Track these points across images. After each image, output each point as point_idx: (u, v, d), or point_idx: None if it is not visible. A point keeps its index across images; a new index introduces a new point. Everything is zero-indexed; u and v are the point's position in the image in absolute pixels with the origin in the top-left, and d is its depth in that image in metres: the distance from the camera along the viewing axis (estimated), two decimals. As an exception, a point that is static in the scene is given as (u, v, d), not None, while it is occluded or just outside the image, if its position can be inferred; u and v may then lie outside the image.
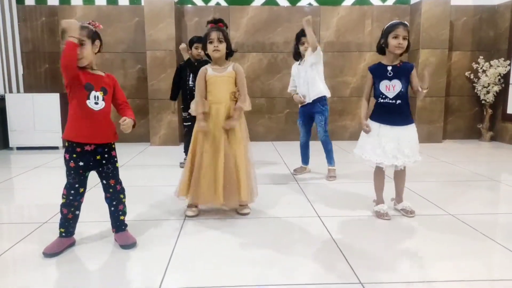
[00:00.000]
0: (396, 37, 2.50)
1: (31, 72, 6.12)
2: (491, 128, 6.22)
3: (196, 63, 4.05)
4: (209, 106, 2.70)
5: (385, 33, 2.57)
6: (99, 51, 2.16)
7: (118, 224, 2.27)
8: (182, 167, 4.31)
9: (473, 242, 2.29)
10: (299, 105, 3.88)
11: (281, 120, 6.35)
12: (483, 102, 6.17)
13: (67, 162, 2.12)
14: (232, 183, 2.65)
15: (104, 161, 2.17)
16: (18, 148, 5.57)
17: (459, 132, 6.46)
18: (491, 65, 5.99)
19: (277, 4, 6.13)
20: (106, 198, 2.26)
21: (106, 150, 2.17)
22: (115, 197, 2.25)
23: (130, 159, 4.82)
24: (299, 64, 3.84)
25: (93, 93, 2.08)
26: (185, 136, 4.48)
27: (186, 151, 4.44)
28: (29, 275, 1.92)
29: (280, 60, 6.21)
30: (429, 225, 2.57)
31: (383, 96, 2.60)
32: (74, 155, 2.10)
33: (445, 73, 6.00)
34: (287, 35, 6.14)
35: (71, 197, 2.14)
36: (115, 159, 2.24)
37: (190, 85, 4.15)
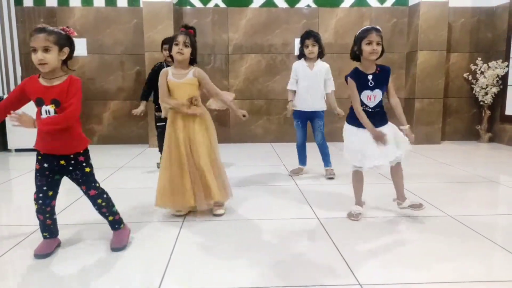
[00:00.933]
0: (369, 43, 2.47)
1: (30, 74, 6.06)
2: (489, 130, 6.23)
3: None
4: (167, 112, 2.76)
5: (358, 40, 2.53)
6: (69, 58, 2.09)
7: (110, 224, 2.27)
8: (159, 167, 4.32)
9: (472, 243, 2.29)
10: (294, 108, 3.89)
11: (279, 121, 6.35)
12: (481, 103, 6.18)
13: (35, 165, 2.12)
14: (198, 184, 2.68)
15: (70, 168, 2.11)
16: (17, 150, 5.56)
17: (457, 134, 6.46)
18: (489, 67, 6.00)
19: (275, 5, 6.13)
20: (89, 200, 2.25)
21: (71, 156, 2.11)
22: (92, 202, 2.21)
23: (129, 161, 4.81)
24: (307, 65, 3.79)
25: (44, 107, 2.00)
26: (159, 136, 4.43)
27: (161, 151, 4.43)
28: (28, 277, 1.92)
29: (279, 61, 6.21)
30: (428, 226, 2.57)
31: (364, 105, 2.57)
32: (39, 157, 2.10)
33: (443, 74, 6.01)
34: (285, 37, 6.15)
35: (40, 201, 2.11)
36: (83, 164, 2.14)
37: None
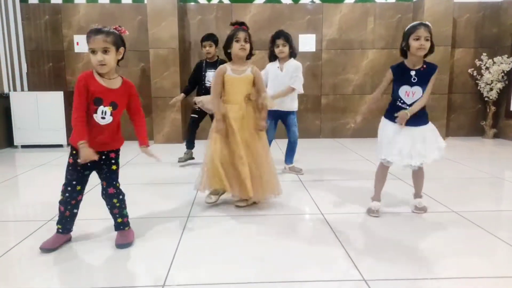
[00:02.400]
0: (417, 38, 2.44)
1: (35, 71, 6.15)
2: (494, 125, 6.21)
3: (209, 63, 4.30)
4: (224, 106, 2.80)
5: (406, 35, 2.50)
6: (122, 58, 2.14)
7: (116, 224, 2.28)
8: (180, 161, 4.36)
9: (477, 239, 2.30)
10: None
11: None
12: (486, 99, 6.16)
13: (68, 159, 2.15)
14: (255, 178, 2.76)
15: (101, 162, 2.17)
16: (23, 146, 5.61)
17: (462, 130, 6.45)
18: (494, 62, 5.97)
19: (279, 1, 6.12)
20: (103, 198, 2.27)
21: (104, 152, 2.17)
22: (107, 200, 2.24)
23: (133, 157, 4.84)
24: (278, 67, 3.77)
25: (101, 108, 2.06)
26: (188, 127, 4.46)
27: (187, 144, 4.47)
28: (35, 272, 1.94)
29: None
30: (432, 222, 2.57)
31: (401, 101, 2.55)
32: (74, 152, 2.12)
33: (447, 70, 5.99)
34: (289, 33, 6.12)
35: (67, 194, 2.15)
36: (112, 161, 2.20)
37: (207, 85, 4.22)
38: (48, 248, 2.15)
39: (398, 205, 2.87)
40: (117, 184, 2.24)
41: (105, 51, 2.01)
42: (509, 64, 5.87)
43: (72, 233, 2.31)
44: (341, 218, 2.66)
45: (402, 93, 2.54)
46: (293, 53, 3.76)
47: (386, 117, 2.65)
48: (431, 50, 2.48)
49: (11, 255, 2.13)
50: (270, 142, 4.00)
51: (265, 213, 2.78)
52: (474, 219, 2.59)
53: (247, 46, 2.76)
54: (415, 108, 2.53)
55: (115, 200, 2.22)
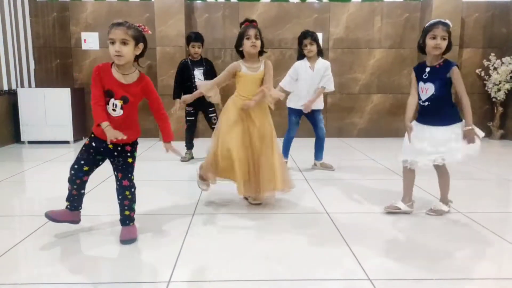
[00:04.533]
0: (433, 37, 2.43)
1: (43, 67, 6.18)
2: (501, 126, 6.15)
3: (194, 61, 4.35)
4: (237, 99, 2.82)
5: (424, 33, 2.50)
6: (141, 55, 2.18)
7: (122, 218, 2.30)
8: (183, 160, 4.38)
9: (483, 241, 2.29)
10: (291, 103, 3.98)
11: (281, 115, 6.33)
12: (493, 100, 6.10)
13: (85, 140, 2.23)
14: (264, 174, 2.76)
15: (116, 153, 2.21)
16: (30, 142, 5.64)
17: (469, 130, 6.39)
18: (502, 63, 5.92)
19: (286, 0, 6.11)
20: (116, 189, 2.30)
21: (120, 144, 2.20)
22: (120, 191, 2.27)
23: (139, 154, 4.85)
24: (309, 66, 3.87)
25: (112, 100, 2.11)
26: (187, 130, 4.53)
27: (187, 145, 4.50)
28: (41, 267, 1.96)
29: (288, 56, 6.19)
30: (438, 222, 2.56)
31: (419, 97, 2.59)
32: (92, 135, 2.21)
33: (455, 70, 5.94)
34: (296, 32, 6.03)
35: (73, 172, 2.21)
36: (128, 154, 2.24)
37: (196, 84, 4.20)
38: (53, 217, 2.23)
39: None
40: (132, 177, 2.28)
41: (123, 42, 2.05)
42: (518, 64, 5.82)
43: (78, 227, 2.33)
44: (346, 217, 2.66)
45: (420, 89, 2.57)
46: (320, 52, 3.89)
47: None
48: (448, 48, 2.47)
49: (17, 250, 2.15)
50: (291, 139, 4.10)
51: (271, 212, 2.78)
52: (480, 220, 2.57)
53: (258, 43, 2.77)
54: (469, 117, 2.49)
55: (127, 192, 2.26)
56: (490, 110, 6.29)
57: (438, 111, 2.52)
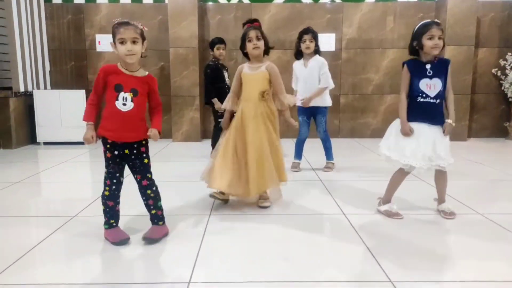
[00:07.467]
0: (431, 37, 2.42)
1: (58, 69, 6.26)
2: (518, 127, 6.06)
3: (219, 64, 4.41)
4: (240, 103, 2.82)
5: (418, 34, 2.48)
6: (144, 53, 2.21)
7: (151, 217, 2.33)
8: None
9: (503, 242, 2.25)
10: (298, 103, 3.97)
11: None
12: (510, 99, 6.01)
13: (104, 154, 2.20)
14: (260, 169, 2.73)
15: (132, 156, 2.21)
16: (45, 143, 5.72)
17: (485, 131, 6.31)
18: (519, 62, 5.84)
19: (299, 1, 6.10)
20: (138, 191, 2.31)
21: (135, 146, 2.21)
22: (142, 192, 2.29)
23: (153, 155, 4.87)
24: (302, 63, 3.93)
25: (122, 94, 2.11)
26: (215, 130, 4.49)
27: (213, 144, 4.49)
28: (60, 267, 1.98)
29: (302, 57, 6.18)
30: (458, 224, 2.53)
31: (424, 95, 2.51)
32: (108, 146, 2.17)
33: (471, 70, 5.87)
34: (309, 32, 6.10)
35: (114, 187, 2.20)
36: (144, 155, 2.25)
37: (228, 84, 4.29)
38: (125, 238, 2.22)
39: (423, 207, 2.82)
40: (149, 176, 2.29)
41: (134, 41, 2.09)
42: (535, 64, 5.73)
43: (97, 228, 2.34)
44: (363, 218, 2.64)
45: (424, 86, 2.51)
46: (318, 51, 3.89)
47: (409, 119, 2.57)
48: (442, 47, 2.49)
49: (37, 250, 2.18)
50: (304, 140, 4.08)
51: (287, 213, 2.77)
52: (500, 222, 2.53)
53: (260, 43, 2.75)
54: (452, 111, 2.54)
55: (149, 191, 2.27)
56: (506, 110, 6.19)
57: (442, 108, 2.53)
